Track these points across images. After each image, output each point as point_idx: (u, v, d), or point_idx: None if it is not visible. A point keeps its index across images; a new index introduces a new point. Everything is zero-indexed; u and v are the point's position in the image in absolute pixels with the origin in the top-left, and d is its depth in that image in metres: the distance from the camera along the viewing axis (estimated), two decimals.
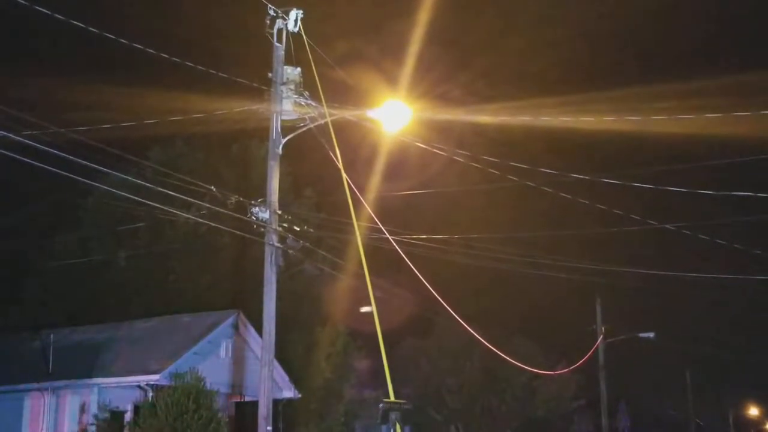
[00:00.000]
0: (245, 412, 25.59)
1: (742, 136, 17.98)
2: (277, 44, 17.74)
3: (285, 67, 17.79)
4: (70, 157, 13.64)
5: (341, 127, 18.00)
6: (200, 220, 22.45)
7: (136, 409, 23.96)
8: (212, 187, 18.06)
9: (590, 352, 38.78)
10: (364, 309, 30.04)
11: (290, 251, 19.37)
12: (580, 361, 38.25)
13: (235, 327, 27.06)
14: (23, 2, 12.37)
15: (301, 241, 19.23)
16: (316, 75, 17.32)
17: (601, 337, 39.35)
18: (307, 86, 17.79)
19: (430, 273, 20.16)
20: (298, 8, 17.66)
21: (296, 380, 28.38)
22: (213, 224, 21.50)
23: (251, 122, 18.76)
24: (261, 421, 17.05)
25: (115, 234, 31.95)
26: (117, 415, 24.17)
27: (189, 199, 18.75)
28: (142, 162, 21.31)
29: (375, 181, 21.36)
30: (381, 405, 15.37)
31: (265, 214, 17.22)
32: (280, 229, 17.64)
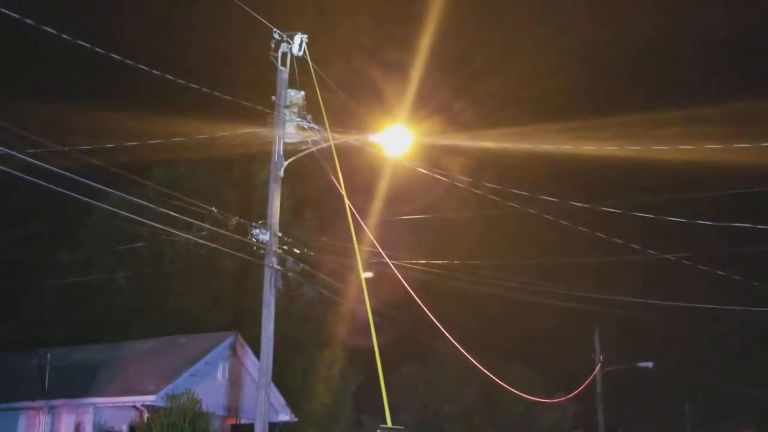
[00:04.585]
0: None
1: (743, 164, 18.05)
2: (281, 68, 17.85)
3: (288, 90, 17.89)
4: (72, 175, 13.68)
5: (343, 150, 18.07)
6: (201, 241, 22.47)
7: (132, 430, 23.87)
8: (213, 209, 18.09)
9: (588, 381, 38.66)
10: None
11: (290, 274, 19.40)
12: (578, 390, 38.12)
13: (233, 349, 26.99)
14: (30, 22, 12.47)
15: (301, 264, 19.25)
16: (320, 99, 17.42)
17: (599, 365, 39.24)
18: (310, 110, 17.88)
19: (430, 298, 20.15)
20: (302, 33, 17.79)
21: (293, 404, 28.27)
22: (213, 245, 21.53)
23: (253, 145, 18.84)
24: None
25: (115, 253, 31.96)
26: None
27: (190, 220, 18.77)
28: (144, 182, 21.35)
29: (376, 206, 21.40)
30: (378, 431, 15.33)
31: (265, 236, 17.24)
32: (280, 251, 17.66)
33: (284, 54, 17.81)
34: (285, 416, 27.70)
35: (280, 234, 17.64)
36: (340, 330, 31.97)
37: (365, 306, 16.06)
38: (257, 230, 17.25)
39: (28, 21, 12.61)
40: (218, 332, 27.46)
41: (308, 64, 17.69)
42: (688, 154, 17.76)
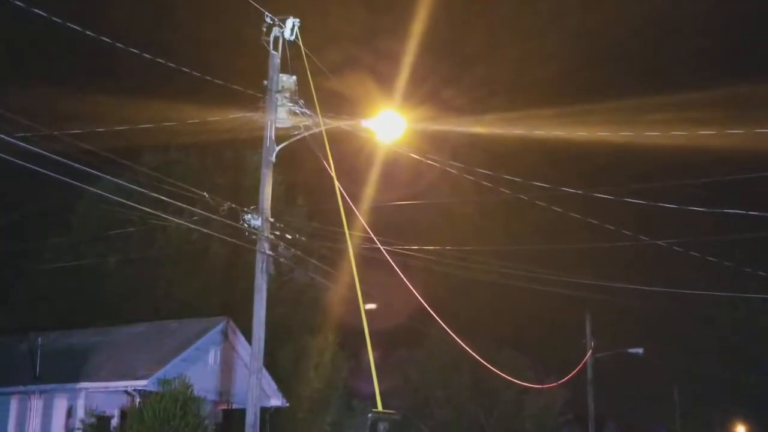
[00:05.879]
0: (232, 420, 25.52)
1: (735, 150, 18.05)
2: (273, 52, 17.72)
3: (280, 75, 17.78)
4: (63, 159, 13.60)
5: (335, 136, 18.00)
6: (192, 226, 22.39)
7: (123, 414, 23.88)
8: (205, 194, 18.01)
9: (579, 367, 38.78)
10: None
11: (281, 259, 19.34)
12: (569, 376, 38.24)
13: (224, 334, 26.98)
14: (20, 4, 12.35)
15: (293, 250, 19.20)
16: (311, 83, 17.33)
17: (590, 351, 39.37)
18: (302, 95, 17.78)
19: (422, 284, 20.15)
20: (294, 17, 17.67)
21: (284, 389, 28.31)
22: (205, 230, 21.44)
23: (245, 130, 18.75)
24: (248, 429, 16.96)
25: (106, 238, 31.86)
26: (104, 420, 24.06)
27: (181, 204, 18.70)
28: (135, 167, 21.26)
29: (368, 191, 21.35)
30: (370, 415, 15.32)
31: (257, 222, 17.18)
32: (272, 236, 17.61)
33: (276, 38, 17.68)
34: (276, 401, 27.74)
35: (271, 219, 17.59)
36: (331, 315, 31.98)
37: (357, 292, 16.06)
38: (249, 216, 17.18)
39: (18, 3, 12.50)
40: (210, 317, 27.44)
41: (300, 48, 17.58)
42: (681, 139, 17.74)
